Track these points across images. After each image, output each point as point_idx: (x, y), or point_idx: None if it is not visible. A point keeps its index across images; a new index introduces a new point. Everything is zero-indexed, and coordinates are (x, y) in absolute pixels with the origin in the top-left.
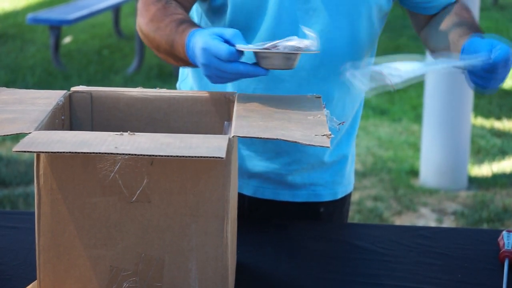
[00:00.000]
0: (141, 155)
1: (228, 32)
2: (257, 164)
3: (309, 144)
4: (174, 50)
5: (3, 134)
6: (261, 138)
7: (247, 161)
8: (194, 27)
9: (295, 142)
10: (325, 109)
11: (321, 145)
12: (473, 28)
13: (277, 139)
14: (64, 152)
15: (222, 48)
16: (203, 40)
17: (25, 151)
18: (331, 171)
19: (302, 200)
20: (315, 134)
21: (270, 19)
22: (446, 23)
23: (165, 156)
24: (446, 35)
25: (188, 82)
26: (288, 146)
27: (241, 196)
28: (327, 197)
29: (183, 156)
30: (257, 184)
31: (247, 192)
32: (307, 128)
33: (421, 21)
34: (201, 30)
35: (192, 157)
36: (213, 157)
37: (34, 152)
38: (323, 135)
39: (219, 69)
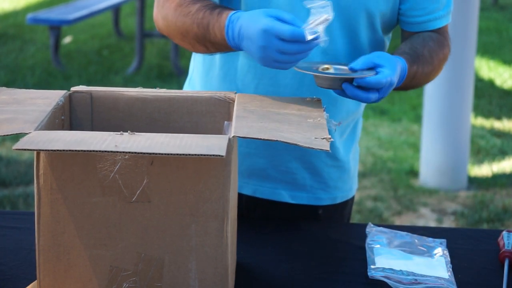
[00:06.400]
0: (141, 153)
1: (286, 15)
2: (257, 160)
3: (308, 147)
4: (208, 34)
5: (3, 134)
6: (261, 139)
7: (247, 158)
8: (231, 10)
9: (295, 144)
10: (324, 112)
11: (321, 148)
12: (413, 55)
13: (277, 140)
14: (64, 150)
15: (286, 29)
16: (263, 21)
17: (25, 149)
18: (332, 175)
19: (302, 202)
20: (315, 137)
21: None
22: (406, 42)
23: (165, 154)
24: (395, 51)
25: (195, 82)
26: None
27: (239, 196)
28: (326, 201)
29: (183, 154)
30: (257, 183)
31: (246, 191)
32: (307, 131)
33: (404, 38)
34: (248, 13)
35: (192, 155)
36: (213, 155)
37: (34, 150)
38: (323, 139)
39: (280, 50)
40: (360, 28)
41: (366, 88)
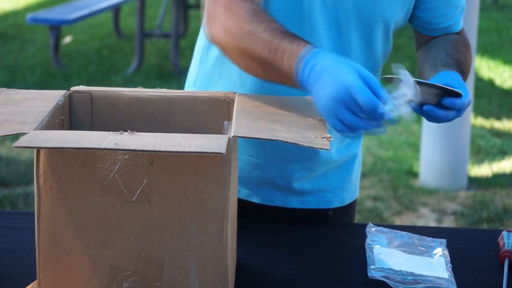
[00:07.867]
0: (140, 150)
1: (371, 76)
2: (268, 171)
3: (309, 146)
4: (274, 57)
5: (2, 134)
6: (260, 138)
7: (257, 169)
8: (304, 41)
9: (295, 143)
10: None
11: (321, 147)
12: (457, 65)
13: (277, 140)
14: (64, 148)
15: (365, 93)
16: (349, 76)
17: (25, 147)
18: (338, 176)
19: (311, 206)
20: (314, 136)
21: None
22: (438, 48)
23: (165, 152)
24: (431, 58)
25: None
26: (298, 155)
27: (247, 204)
28: (335, 204)
29: (184, 152)
30: (266, 191)
31: (256, 200)
32: (307, 130)
33: (422, 40)
34: (332, 57)
35: (193, 152)
36: (214, 152)
37: (33, 147)
38: (323, 138)
39: (349, 107)
40: (376, 39)
41: (447, 108)
